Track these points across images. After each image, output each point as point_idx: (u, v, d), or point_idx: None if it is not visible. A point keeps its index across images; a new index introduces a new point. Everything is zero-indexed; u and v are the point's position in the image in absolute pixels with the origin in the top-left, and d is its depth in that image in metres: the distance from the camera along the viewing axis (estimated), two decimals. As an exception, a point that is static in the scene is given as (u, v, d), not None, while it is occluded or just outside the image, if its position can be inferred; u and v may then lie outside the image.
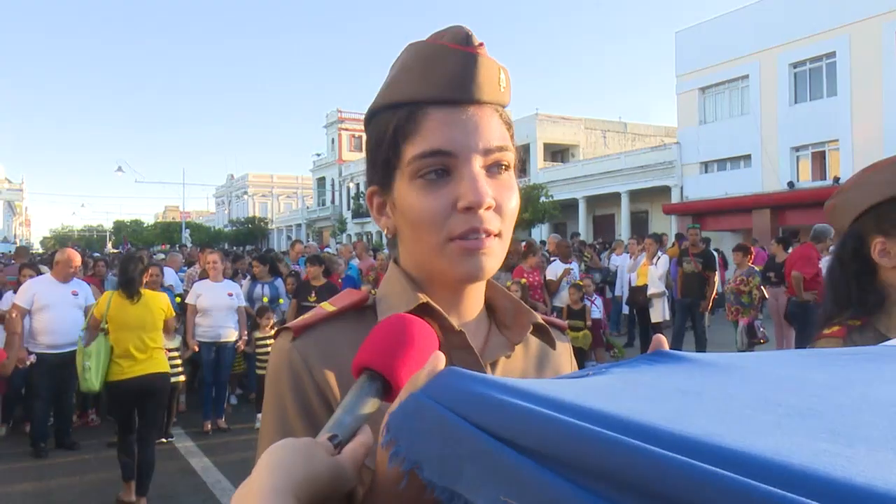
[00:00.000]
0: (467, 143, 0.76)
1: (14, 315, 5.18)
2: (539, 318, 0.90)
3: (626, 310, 11.37)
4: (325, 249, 16.13)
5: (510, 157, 0.80)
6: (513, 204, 0.80)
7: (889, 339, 1.34)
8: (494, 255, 0.79)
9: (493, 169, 0.79)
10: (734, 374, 0.52)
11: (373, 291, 0.90)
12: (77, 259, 6.27)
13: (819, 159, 22.87)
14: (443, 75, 0.76)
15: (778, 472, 0.34)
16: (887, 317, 1.40)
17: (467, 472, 0.43)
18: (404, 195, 0.79)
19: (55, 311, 6.01)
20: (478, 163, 0.77)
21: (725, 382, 0.50)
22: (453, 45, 0.77)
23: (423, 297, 0.80)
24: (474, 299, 0.87)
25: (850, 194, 1.49)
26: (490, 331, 0.89)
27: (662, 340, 0.64)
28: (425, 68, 0.77)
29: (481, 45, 0.78)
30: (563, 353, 0.97)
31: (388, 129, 0.80)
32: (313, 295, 7.15)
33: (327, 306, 0.85)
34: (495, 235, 0.78)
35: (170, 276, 8.67)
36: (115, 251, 34.55)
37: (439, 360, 0.56)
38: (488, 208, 0.76)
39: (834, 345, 1.39)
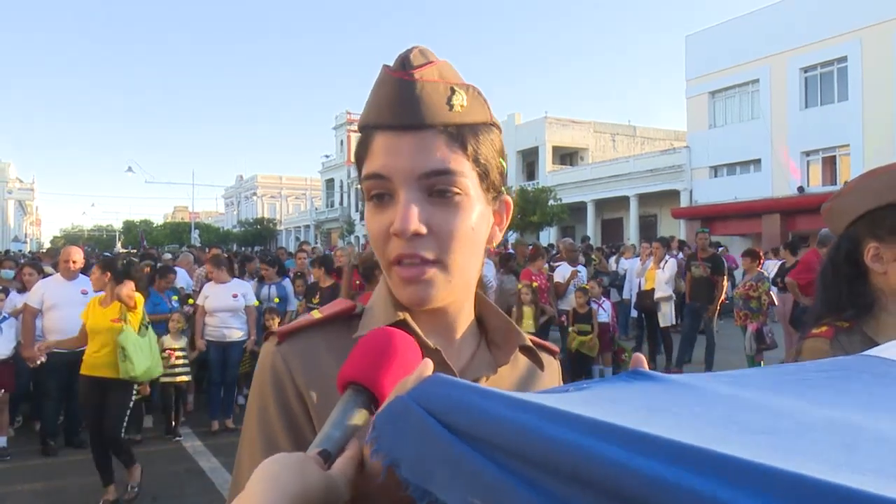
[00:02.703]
0: (400, 168, 0.77)
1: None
2: (528, 340, 0.91)
3: (634, 314, 11.34)
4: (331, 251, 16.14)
5: (461, 181, 0.78)
6: (459, 228, 0.78)
7: (875, 342, 1.37)
8: (437, 284, 0.79)
9: (437, 194, 0.78)
10: (704, 395, 0.54)
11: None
12: (74, 254, 6.28)
13: (829, 164, 22.78)
14: (382, 102, 0.78)
15: (706, 459, 0.36)
16: (875, 320, 1.43)
17: (439, 473, 0.46)
18: (366, 213, 0.83)
19: (64, 310, 6.02)
20: (413, 188, 0.77)
21: (693, 402, 0.52)
22: (390, 71, 0.78)
23: (402, 315, 0.81)
24: (458, 318, 0.87)
25: (847, 199, 1.51)
26: (478, 349, 0.90)
27: (642, 360, 0.66)
28: (373, 94, 0.80)
29: (423, 66, 0.77)
30: (551, 375, 0.98)
31: (356, 148, 0.85)
32: (317, 297, 7.17)
33: (316, 313, 0.87)
34: (432, 263, 0.78)
35: (181, 276, 8.67)
36: (125, 251, 34.66)
37: (427, 367, 0.58)
38: (417, 235, 0.76)
39: (821, 345, 1.43)
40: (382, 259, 0.81)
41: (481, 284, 0.92)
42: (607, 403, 0.51)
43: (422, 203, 0.77)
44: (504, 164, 0.87)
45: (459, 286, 0.82)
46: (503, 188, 0.87)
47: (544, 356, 0.95)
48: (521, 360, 0.93)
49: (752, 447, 0.39)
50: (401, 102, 0.77)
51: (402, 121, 0.77)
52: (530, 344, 0.91)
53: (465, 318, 0.89)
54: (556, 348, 1.02)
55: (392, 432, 0.51)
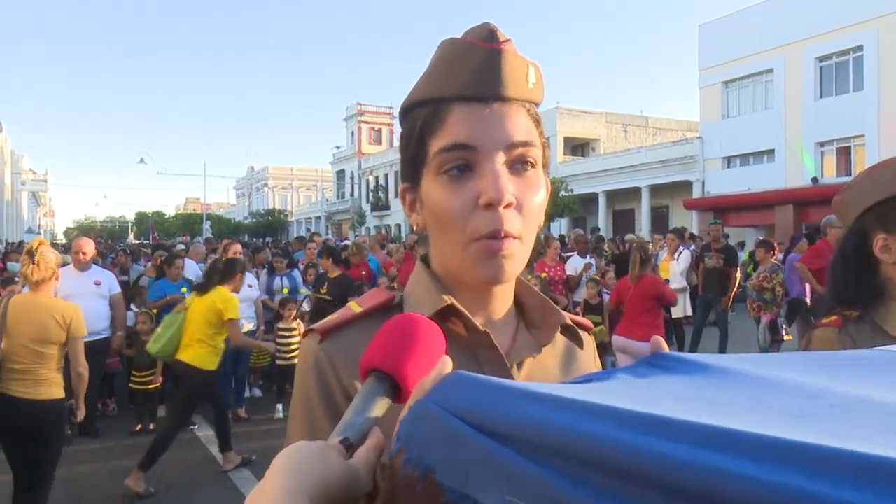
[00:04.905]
0: (489, 137, 0.76)
1: None
2: (567, 318, 0.90)
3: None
4: (343, 241, 16.19)
5: (536, 154, 0.79)
6: (536, 202, 0.79)
7: (884, 330, 1.40)
8: (516, 258, 0.78)
9: (518, 166, 0.78)
10: (731, 378, 0.53)
11: (393, 285, 0.90)
12: (84, 246, 6.34)
13: (844, 155, 22.57)
14: (467, 72, 0.76)
15: (754, 443, 0.36)
16: (884, 309, 1.45)
17: (472, 475, 0.45)
18: (430, 191, 0.80)
19: (77, 300, 5.99)
20: (500, 158, 0.76)
21: (721, 385, 0.51)
22: (478, 41, 0.77)
23: (449, 299, 0.80)
24: (502, 299, 0.86)
25: (855, 191, 1.54)
26: (518, 330, 0.89)
27: (661, 342, 0.65)
28: (451, 65, 0.78)
29: (507, 41, 0.77)
30: (589, 353, 0.97)
31: (416, 124, 0.81)
32: (325, 287, 7.20)
33: (354, 307, 0.86)
34: (516, 238, 0.77)
35: (191, 268, 8.67)
36: (137, 242, 34.84)
37: (446, 365, 0.56)
38: (508, 206, 0.75)
39: (829, 334, 1.45)
40: (462, 235, 0.77)
41: None
42: (633, 392, 0.50)
43: (506, 174, 0.77)
44: None
45: (524, 263, 0.82)
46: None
47: (582, 333, 0.94)
48: (560, 339, 0.92)
49: (793, 431, 0.38)
50: (491, 73, 0.76)
51: (490, 92, 0.76)
52: (570, 322, 0.90)
53: (507, 299, 0.88)
54: (589, 324, 1.01)
55: (418, 439, 0.49)
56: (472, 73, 0.76)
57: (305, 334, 0.85)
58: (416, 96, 0.81)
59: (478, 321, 0.81)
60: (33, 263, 3.85)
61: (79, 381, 4.01)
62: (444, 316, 0.80)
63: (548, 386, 0.50)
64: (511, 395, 0.46)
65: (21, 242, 23.64)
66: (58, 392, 3.91)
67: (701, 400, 0.48)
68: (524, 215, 0.78)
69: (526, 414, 0.44)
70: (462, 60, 0.77)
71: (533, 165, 0.79)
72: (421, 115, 0.80)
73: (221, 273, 5.49)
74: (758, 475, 0.34)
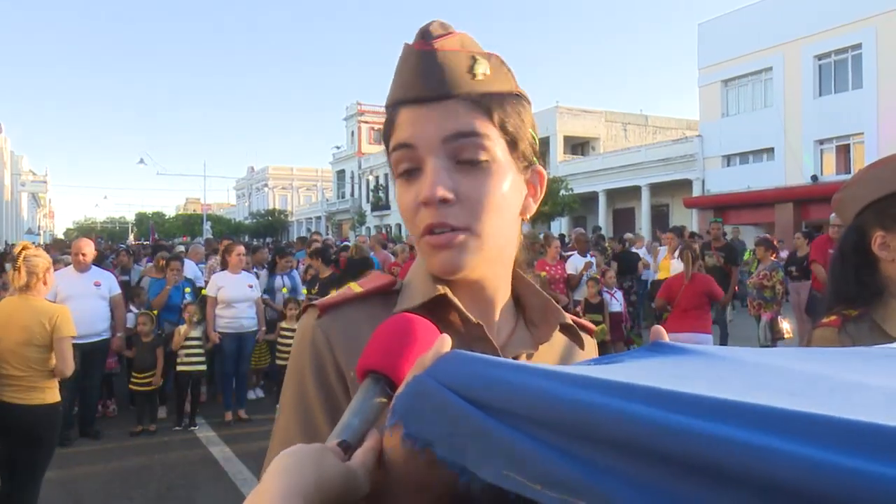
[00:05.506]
0: (424, 135, 0.77)
1: None
2: (568, 318, 0.89)
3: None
4: (344, 242, 16.22)
5: (487, 144, 0.77)
6: (486, 194, 0.77)
7: (883, 329, 1.39)
8: (469, 250, 0.77)
9: (465, 161, 0.77)
10: (728, 363, 0.53)
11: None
12: (84, 247, 6.36)
13: (843, 153, 22.57)
14: (406, 77, 0.79)
15: (756, 414, 0.36)
16: (884, 308, 1.45)
17: (470, 449, 0.45)
18: (396, 192, 0.82)
19: (76, 301, 6.04)
20: (439, 155, 0.76)
21: (719, 369, 0.52)
22: (413, 45, 0.79)
23: (442, 289, 0.80)
24: (496, 293, 0.86)
25: (854, 189, 1.54)
26: (516, 326, 0.88)
27: (661, 332, 0.65)
28: (397, 71, 0.80)
29: (443, 37, 0.78)
30: (590, 354, 0.96)
31: (383, 130, 0.84)
32: (316, 287, 7.21)
33: (355, 287, 0.86)
34: (462, 230, 0.76)
35: (190, 268, 8.66)
36: (137, 243, 34.81)
37: (444, 343, 0.56)
38: (445, 202, 0.75)
39: (830, 333, 1.45)
40: (414, 233, 0.80)
41: (520, 263, 0.90)
42: (634, 373, 0.50)
43: (449, 171, 0.76)
44: (535, 135, 0.85)
45: (493, 256, 0.81)
46: (534, 159, 0.86)
47: (583, 334, 0.93)
48: (559, 339, 0.90)
49: (792, 405, 0.38)
50: (423, 74, 0.77)
51: (426, 92, 0.77)
52: (570, 322, 0.89)
53: (502, 295, 0.87)
54: (592, 326, 0.99)
55: (416, 414, 0.49)
56: (408, 76, 0.78)
57: (304, 310, 0.85)
58: (386, 102, 0.84)
59: (472, 314, 0.81)
60: (14, 270, 3.85)
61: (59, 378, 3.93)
62: (439, 307, 0.80)
63: (543, 365, 0.50)
64: (506, 370, 0.46)
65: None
66: (52, 396, 3.89)
67: (699, 378, 0.48)
68: (471, 208, 0.76)
69: (520, 386, 0.44)
70: (402, 66, 0.80)
71: (485, 158, 0.77)
72: (386, 121, 0.83)
73: (353, 272, 6.33)
74: (755, 442, 0.34)
